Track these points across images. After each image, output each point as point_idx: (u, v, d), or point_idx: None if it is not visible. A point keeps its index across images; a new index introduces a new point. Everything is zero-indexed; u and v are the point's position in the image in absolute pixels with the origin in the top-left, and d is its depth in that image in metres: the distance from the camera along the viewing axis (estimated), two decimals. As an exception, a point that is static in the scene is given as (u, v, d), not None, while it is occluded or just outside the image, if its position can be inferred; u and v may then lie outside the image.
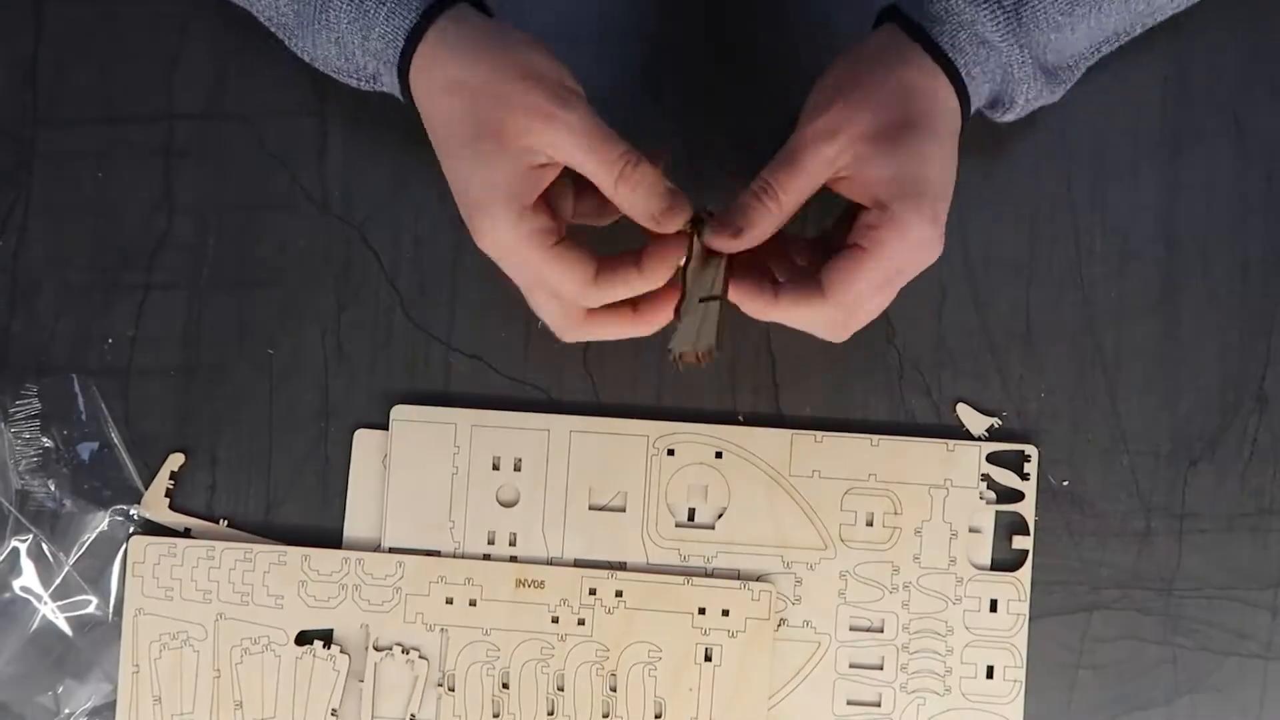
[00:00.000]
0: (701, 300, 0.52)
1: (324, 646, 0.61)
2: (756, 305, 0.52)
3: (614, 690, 0.60)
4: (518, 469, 0.61)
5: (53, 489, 0.62)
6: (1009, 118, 0.57)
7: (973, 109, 0.54)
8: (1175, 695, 0.61)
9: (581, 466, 0.61)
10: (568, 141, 0.50)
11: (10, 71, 0.63)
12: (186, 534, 0.62)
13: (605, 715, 0.60)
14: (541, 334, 0.56)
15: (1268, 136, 0.62)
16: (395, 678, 0.61)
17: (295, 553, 0.61)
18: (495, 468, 0.61)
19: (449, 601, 0.61)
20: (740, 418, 0.62)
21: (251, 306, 0.63)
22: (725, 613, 0.60)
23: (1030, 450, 0.61)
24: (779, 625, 0.61)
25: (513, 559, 0.61)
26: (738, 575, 0.61)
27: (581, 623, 0.60)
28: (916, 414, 0.62)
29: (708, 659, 0.60)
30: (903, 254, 0.51)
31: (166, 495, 0.62)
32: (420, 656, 0.61)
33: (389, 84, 0.55)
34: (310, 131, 0.63)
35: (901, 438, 0.61)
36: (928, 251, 0.51)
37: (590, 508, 0.61)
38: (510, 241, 0.50)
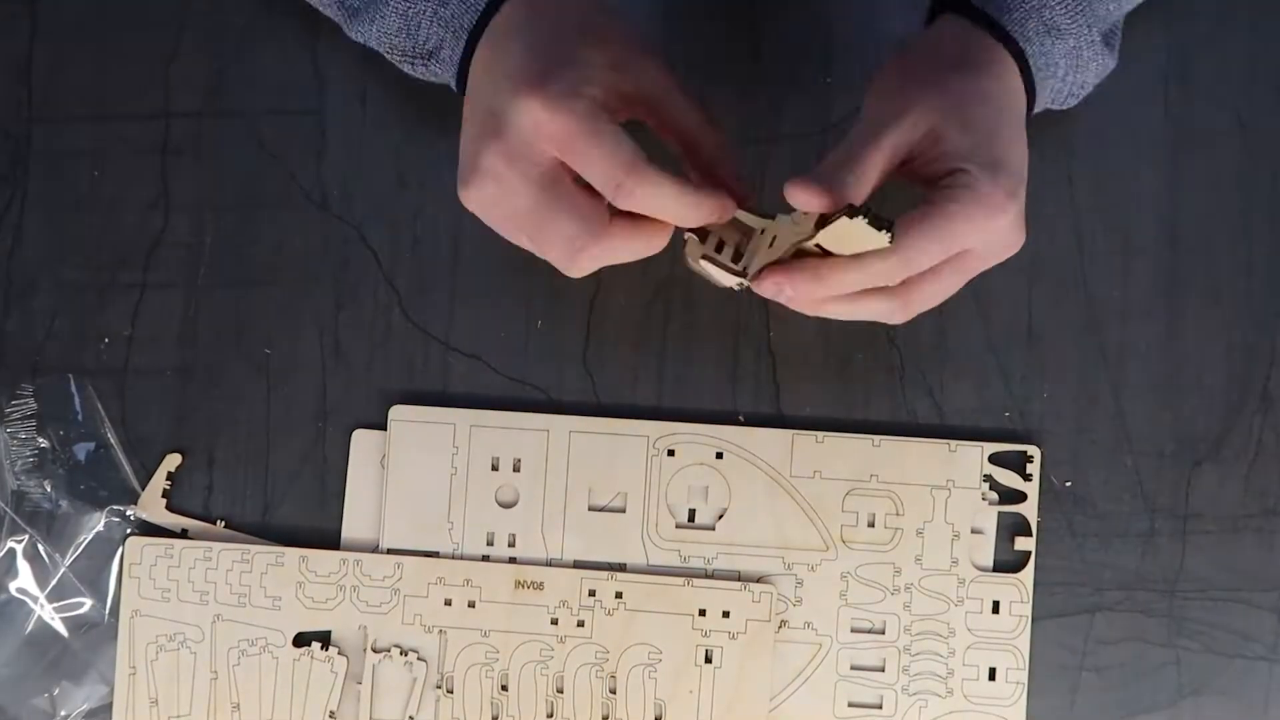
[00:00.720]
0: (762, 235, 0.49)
1: (322, 648, 0.60)
2: (821, 269, 0.48)
3: (614, 692, 0.60)
4: (517, 469, 0.61)
5: (49, 490, 0.61)
6: (1073, 103, 0.56)
7: (1038, 106, 0.53)
8: (1179, 698, 0.61)
9: (581, 467, 0.61)
10: (658, 75, 0.48)
11: (4, 68, 0.63)
12: (183, 535, 0.62)
13: (605, 718, 0.60)
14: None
15: (1272, 134, 0.62)
16: (393, 679, 0.60)
17: (293, 554, 0.61)
18: (494, 468, 0.61)
19: (447, 603, 0.60)
20: (740, 418, 0.62)
21: (249, 306, 0.62)
22: (726, 614, 0.60)
23: (1033, 451, 0.61)
24: (780, 626, 0.60)
25: (512, 560, 0.61)
26: (738, 576, 0.60)
27: (581, 624, 0.60)
28: (918, 414, 0.62)
29: (708, 661, 0.60)
30: (978, 221, 0.48)
31: (163, 496, 0.62)
32: (419, 658, 0.60)
33: (448, 56, 0.52)
34: (308, 130, 0.62)
35: (903, 438, 0.61)
36: (1005, 231, 0.49)
37: (590, 508, 0.61)
38: (574, 98, 0.45)
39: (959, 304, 0.61)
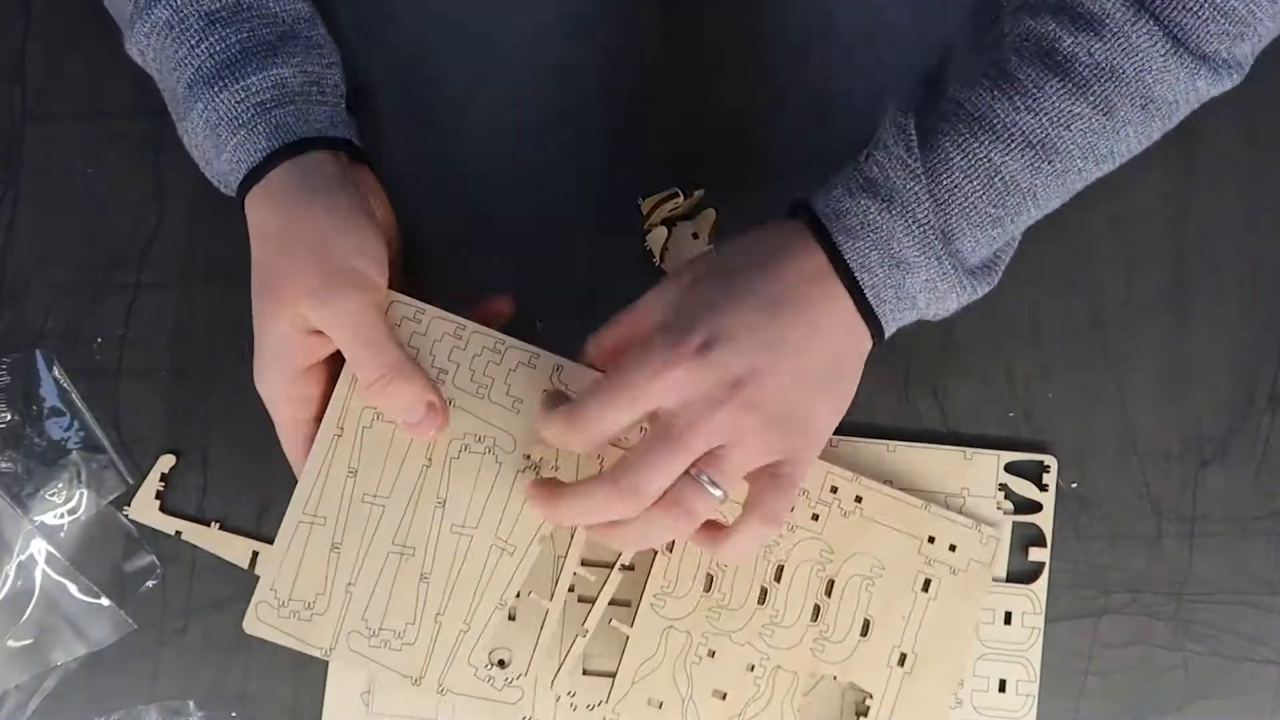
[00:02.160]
0: None
1: (552, 467, 0.55)
2: (557, 496, 0.52)
3: (828, 595, 0.58)
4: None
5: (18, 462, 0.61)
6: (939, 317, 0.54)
7: (886, 335, 0.52)
8: (1186, 702, 0.60)
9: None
10: (335, 329, 0.52)
11: (-2, 65, 0.62)
12: (178, 536, 0.61)
13: (814, 619, 0.58)
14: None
15: None
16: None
17: (548, 359, 0.55)
18: None
19: None
20: (742, 418, 0.61)
21: (243, 304, 0.60)
22: (952, 548, 0.59)
23: (1050, 460, 0.60)
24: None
25: None
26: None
27: (815, 518, 0.58)
28: (922, 415, 0.61)
29: (925, 589, 0.58)
30: (647, 369, 0.48)
31: (157, 498, 0.61)
32: None
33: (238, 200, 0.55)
34: (304, 127, 0.62)
35: (918, 444, 0.60)
36: (700, 390, 0.48)
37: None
38: (273, 396, 0.54)
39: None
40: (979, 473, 0.60)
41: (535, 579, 0.56)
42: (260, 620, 0.54)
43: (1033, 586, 0.60)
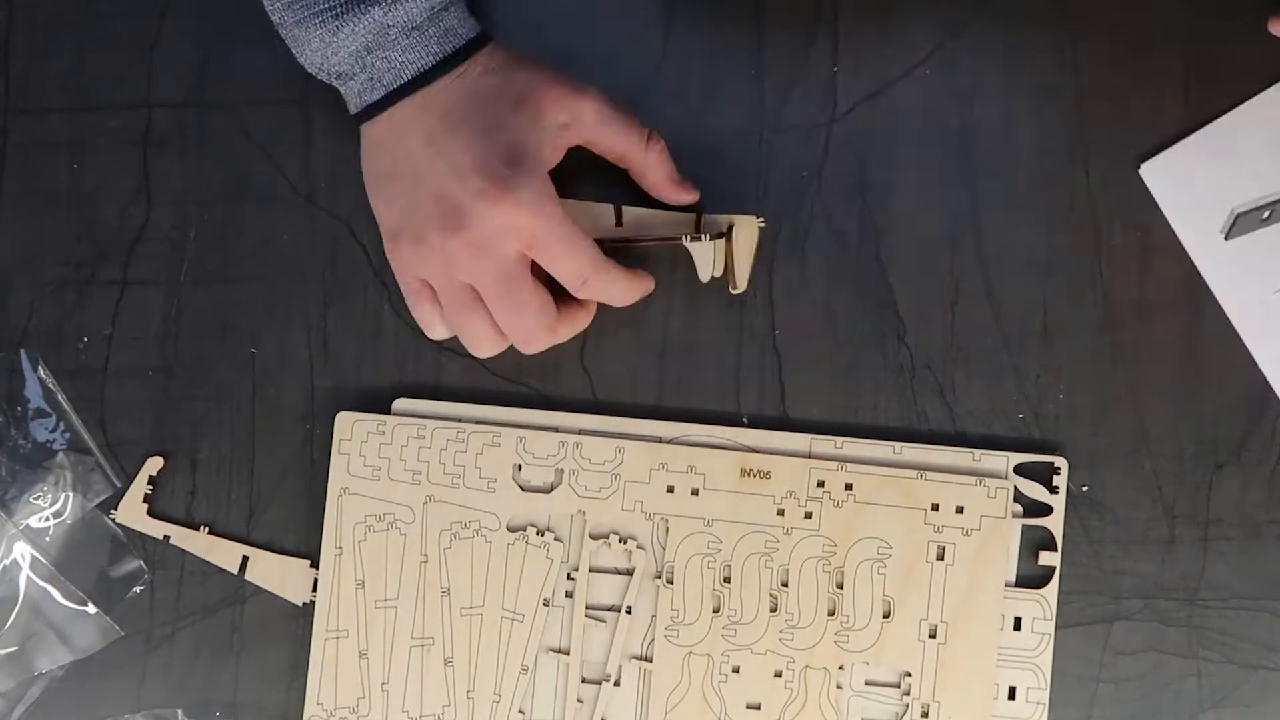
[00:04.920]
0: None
1: (537, 534, 0.59)
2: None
3: (840, 587, 0.58)
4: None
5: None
6: None
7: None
8: (1200, 710, 0.59)
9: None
10: (595, 113, 0.55)
11: (-19, 57, 0.61)
12: (166, 541, 0.60)
13: (831, 613, 0.58)
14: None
15: (1296, 126, 0.60)
16: (610, 568, 0.59)
17: (510, 434, 0.59)
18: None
19: (670, 490, 0.59)
20: (744, 419, 0.60)
21: (234, 303, 0.61)
22: (960, 510, 0.58)
23: (1060, 462, 0.59)
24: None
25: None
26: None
27: (809, 516, 0.58)
28: (929, 416, 0.60)
29: (940, 558, 0.58)
30: None
31: (145, 501, 0.60)
32: (638, 547, 0.59)
33: (354, 89, 0.55)
34: (295, 121, 0.61)
35: (925, 445, 0.59)
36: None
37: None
38: (548, 199, 0.53)
39: (971, 301, 0.60)
40: (988, 474, 0.59)
41: (550, 638, 0.59)
42: None
43: (1043, 591, 0.59)
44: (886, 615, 0.58)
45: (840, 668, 0.58)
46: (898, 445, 0.59)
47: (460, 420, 0.59)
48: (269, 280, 0.61)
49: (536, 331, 0.55)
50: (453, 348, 0.60)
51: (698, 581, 0.58)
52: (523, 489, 0.59)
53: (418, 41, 0.53)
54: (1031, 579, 0.59)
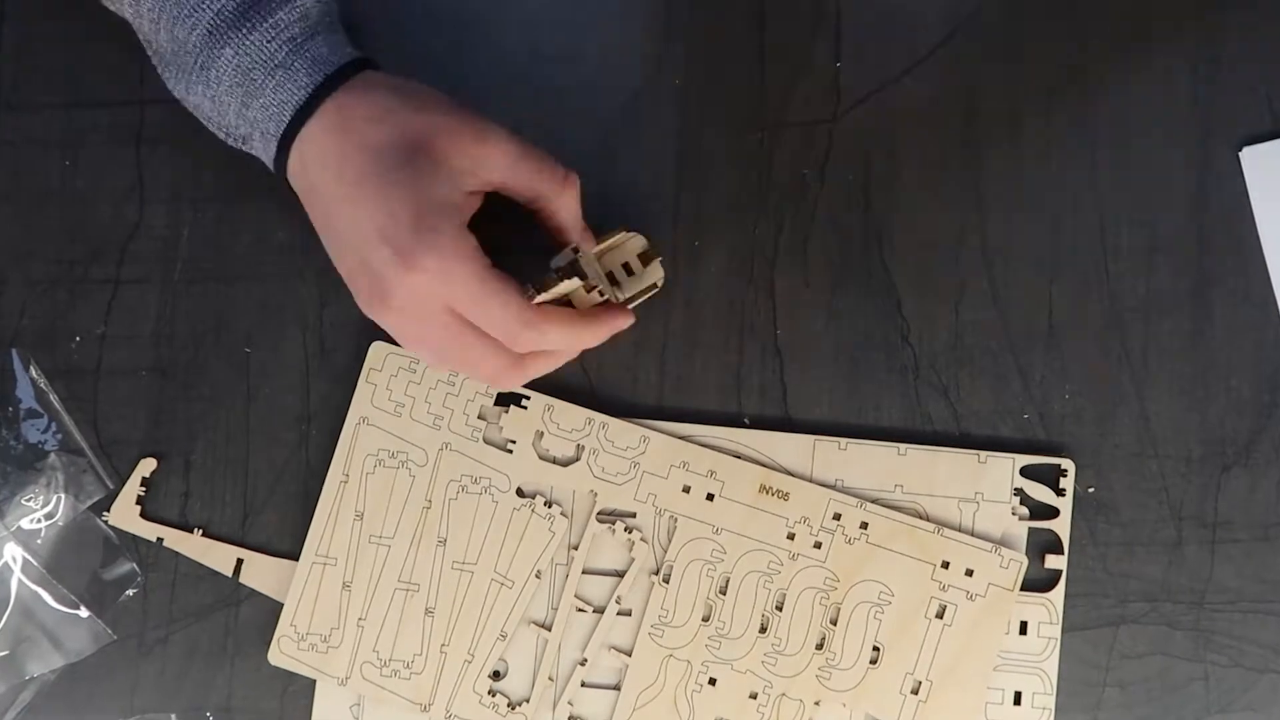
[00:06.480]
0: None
1: (545, 504, 0.58)
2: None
3: (834, 623, 0.57)
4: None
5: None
6: None
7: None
8: (1207, 714, 0.59)
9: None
10: (503, 156, 0.51)
11: (-29, 52, 0.61)
12: (159, 543, 0.59)
13: (819, 647, 0.57)
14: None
15: (1304, 123, 0.60)
16: (610, 555, 0.58)
17: (539, 401, 0.59)
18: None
19: (686, 490, 0.58)
20: (746, 420, 0.59)
21: (228, 302, 0.60)
22: (969, 573, 0.57)
23: (1067, 465, 0.58)
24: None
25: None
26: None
27: (818, 545, 0.58)
28: (933, 417, 0.59)
29: (939, 616, 0.57)
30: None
31: (138, 503, 0.59)
32: (641, 539, 0.58)
33: (259, 150, 0.54)
34: (291, 117, 0.60)
35: (930, 447, 0.59)
36: None
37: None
38: (455, 262, 0.50)
39: (976, 300, 0.59)
40: (993, 477, 0.58)
41: (534, 610, 0.58)
42: (282, 652, 0.58)
43: (1049, 595, 0.58)
44: (874, 661, 0.57)
45: (816, 703, 0.57)
46: (902, 446, 0.58)
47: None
48: (264, 279, 0.60)
49: (499, 375, 0.53)
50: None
51: (693, 586, 0.58)
52: (540, 457, 0.58)
53: (285, 79, 0.52)
54: (1037, 583, 0.58)
